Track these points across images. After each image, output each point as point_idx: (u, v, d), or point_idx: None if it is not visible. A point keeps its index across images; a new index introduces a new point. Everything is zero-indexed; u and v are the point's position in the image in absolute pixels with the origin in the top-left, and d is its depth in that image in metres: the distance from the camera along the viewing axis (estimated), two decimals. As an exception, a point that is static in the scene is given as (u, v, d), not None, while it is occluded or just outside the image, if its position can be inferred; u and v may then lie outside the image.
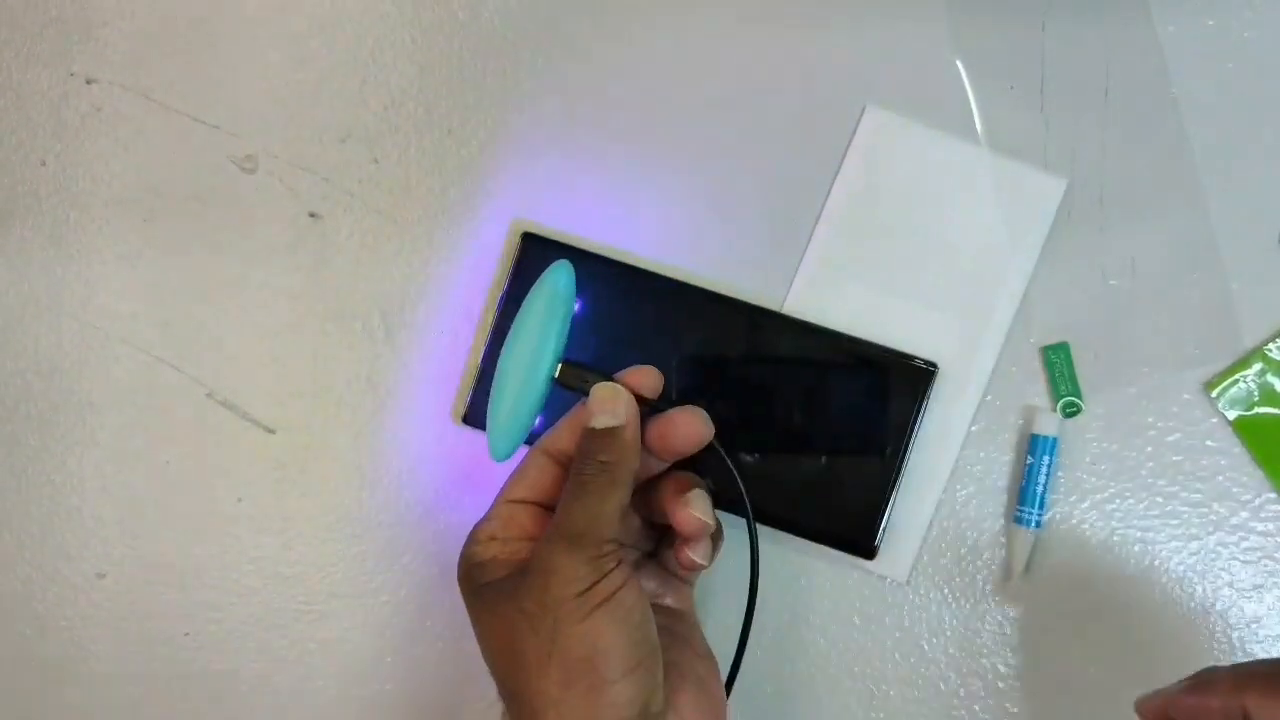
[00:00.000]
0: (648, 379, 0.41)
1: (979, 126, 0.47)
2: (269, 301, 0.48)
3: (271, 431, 0.49)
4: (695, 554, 0.40)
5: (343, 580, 0.49)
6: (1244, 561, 0.46)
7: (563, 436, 0.41)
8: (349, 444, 0.48)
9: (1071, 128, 0.47)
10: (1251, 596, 0.46)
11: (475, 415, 0.47)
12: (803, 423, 0.46)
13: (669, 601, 0.44)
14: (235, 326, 0.49)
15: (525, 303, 0.42)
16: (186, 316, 0.49)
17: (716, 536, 0.43)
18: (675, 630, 0.42)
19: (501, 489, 0.42)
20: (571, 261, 0.47)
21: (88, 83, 0.49)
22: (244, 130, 0.49)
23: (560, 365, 0.41)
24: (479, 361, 0.47)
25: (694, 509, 0.40)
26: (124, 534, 0.49)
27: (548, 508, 0.41)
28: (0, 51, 0.49)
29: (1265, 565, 0.46)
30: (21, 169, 0.49)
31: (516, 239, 0.47)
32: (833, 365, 0.46)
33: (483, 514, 0.41)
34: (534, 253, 0.47)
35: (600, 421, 0.40)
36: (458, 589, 0.48)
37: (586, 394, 0.41)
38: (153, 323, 0.49)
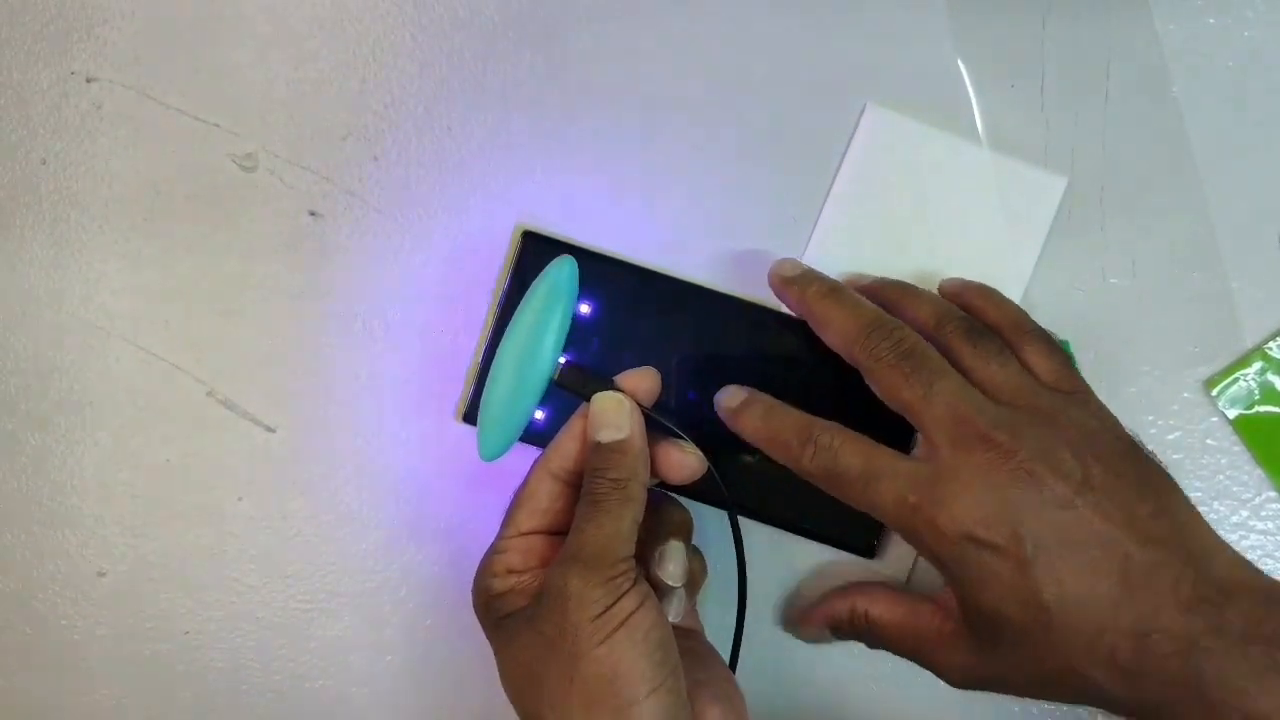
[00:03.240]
0: (645, 381, 0.41)
1: (979, 125, 0.47)
2: (269, 300, 0.48)
3: (271, 430, 0.49)
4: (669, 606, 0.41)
5: (343, 580, 0.49)
6: (1244, 560, 0.46)
7: (566, 453, 0.40)
8: (349, 444, 0.48)
9: (1072, 127, 0.47)
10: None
11: (475, 414, 0.47)
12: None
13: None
14: (235, 325, 0.49)
15: (525, 297, 0.42)
16: (186, 315, 0.49)
17: (698, 572, 0.44)
18: (692, 648, 0.41)
19: (510, 516, 0.41)
20: (577, 261, 0.47)
21: (88, 81, 0.49)
22: (244, 129, 0.49)
23: (560, 366, 0.41)
24: (479, 361, 0.47)
25: (665, 573, 0.41)
26: (124, 533, 0.49)
27: (562, 533, 0.40)
28: (0, 50, 0.49)
29: (1265, 564, 0.46)
30: (21, 167, 0.49)
31: (517, 238, 0.47)
32: (833, 364, 0.46)
33: (485, 525, 0.41)
34: (534, 252, 0.47)
35: (605, 435, 0.39)
36: (457, 590, 0.48)
37: (585, 398, 0.40)
38: (153, 322, 0.49)
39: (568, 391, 0.41)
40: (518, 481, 0.43)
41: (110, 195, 0.49)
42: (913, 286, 0.44)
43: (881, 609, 0.42)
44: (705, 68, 0.48)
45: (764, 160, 0.48)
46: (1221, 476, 0.46)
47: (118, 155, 0.49)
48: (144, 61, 0.49)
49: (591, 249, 0.47)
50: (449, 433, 0.48)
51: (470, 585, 0.41)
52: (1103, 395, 0.46)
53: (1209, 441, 0.46)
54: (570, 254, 0.43)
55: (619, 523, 0.38)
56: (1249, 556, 0.46)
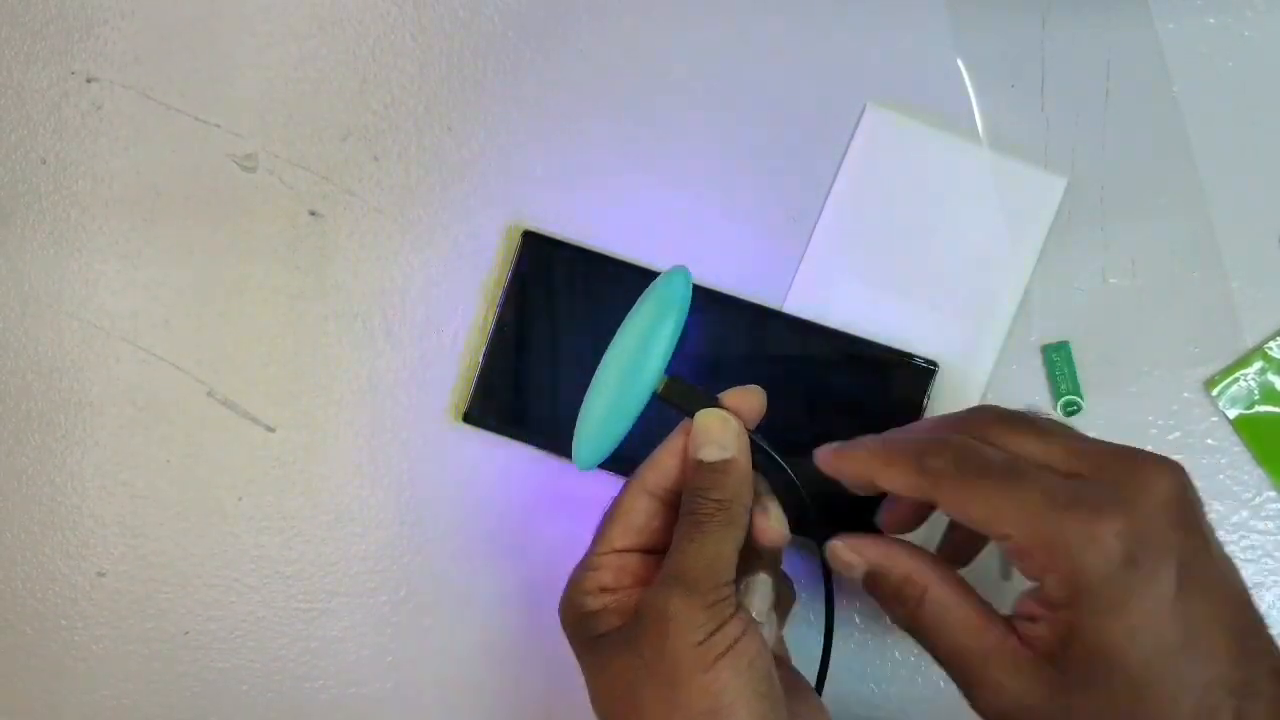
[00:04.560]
0: (750, 400, 0.39)
1: (979, 125, 0.47)
2: (269, 300, 0.48)
3: (271, 430, 0.49)
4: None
5: (343, 580, 0.49)
6: (1244, 560, 0.46)
7: (664, 470, 0.39)
8: (349, 443, 0.48)
9: (1072, 127, 0.47)
10: (1252, 595, 0.46)
11: (476, 414, 0.47)
12: (803, 422, 0.46)
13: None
14: (235, 325, 0.49)
15: (636, 305, 0.40)
16: (186, 315, 0.49)
17: (788, 598, 0.41)
18: (784, 677, 0.39)
19: (602, 532, 0.39)
20: (574, 260, 0.47)
21: (88, 81, 0.49)
22: (244, 129, 0.49)
23: (665, 380, 0.39)
24: (479, 360, 0.47)
25: (750, 605, 0.38)
26: (124, 533, 0.49)
27: (657, 552, 0.39)
28: (0, 50, 0.49)
29: (1265, 564, 0.46)
30: (22, 167, 0.49)
31: (517, 238, 0.47)
32: (833, 364, 0.46)
33: (577, 546, 0.39)
34: (534, 251, 0.47)
35: (709, 454, 0.38)
36: (457, 589, 0.48)
37: (687, 413, 0.39)
38: (153, 321, 0.49)
39: (670, 406, 0.39)
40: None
41: (110, 195, 0.49)
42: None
43: (947, 594, 0.36)
44: (705, 67, 0.48)
45: (764, 160, 0.48)
46: (1221, 476, 0.46)
47: (118, 155, 0.49)
48: (144, 61, 0.49)
49: (591, 249, 0.47)
50: (449, 432, 0.48)
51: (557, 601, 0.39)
52: (1103, 395, 0.46)
53: (1209, 441, 0.46)
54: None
55: (721, 545, 0.37)
56: (1249, 556, 0.46)
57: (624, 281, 0.47)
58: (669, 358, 0.39)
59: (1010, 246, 0.47)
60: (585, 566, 0.39)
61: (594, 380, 0.40)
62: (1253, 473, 0.46)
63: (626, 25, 0.48)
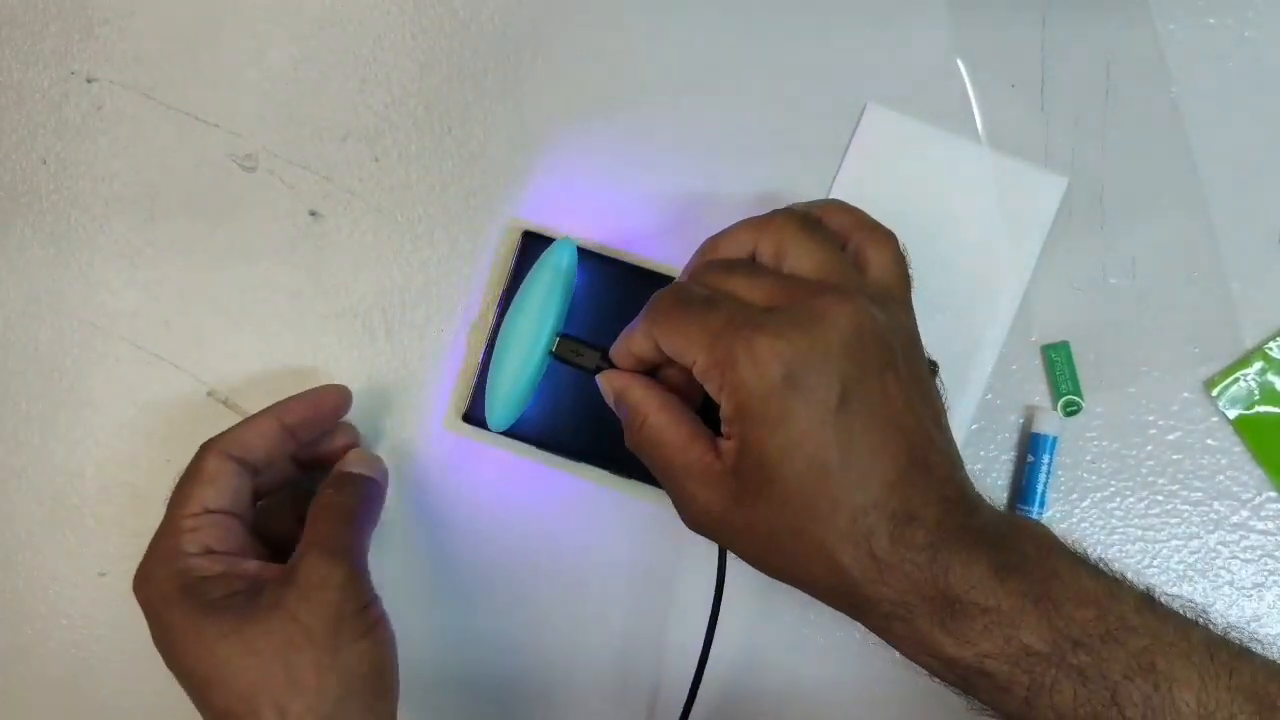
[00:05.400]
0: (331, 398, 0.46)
1: (979, 125, 0.47)
2: (269, 300, 0.48)
3: (272, 430, 0.48)
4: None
5: (343, 579, 0.49)
6: (1244, 560, 0.46)
7: (247, 445, 0.43)
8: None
9: (1071, 127, 0.47)
10: (1252, 595, 0.46)
11: (476, 413, 0.47)
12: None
13: None
14: (236, 325, 0.49)
15: (527, 278, 0.44)
16: (187, 315, 0.49)
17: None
18: None
19: (187, 494, 0.42)
20: (578, 262, 0.47)
21: (88, 81, 0.49)
22: (244, 129, 0.49)
23: (558, 339, 0.43)
24: (479, 360, 0.47)
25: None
26: (125, 533, 0.49)
27: (240, 517, 0.42)
28: (1, 50, 0.49)
29: (1265, 564, 0.46)
30: (22, 168, 0.49)
31: (517, 237, 0.47)
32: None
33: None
34: (534, 251, 0.47)
35: (359, 470, 0.44)
36: (457, 588, 0.48)
37: (582, 368, 0.42)
38: (153, 321, 0.49)
39: (566, 363, 0.42)
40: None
41: (110, 195, 0.49)
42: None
43: (665, 419, 0.38)
44: (705, 67, 0.48)
45: (764, 160, 0.48)
46: (1221, 476, 0.46)
47: (118, 155, 0.49)
48: (144, 61, 0.49)
49: (591, 248, 0.47)
50: (449, 431, 0.48)
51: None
52: (1103, 395, 0.46)
53: (1209, 441, 0.46)
54: (567, 240, 0.45)
55: (367, 531, 0.43)
56: (1249, 556, 0.46)
57: (624, 281, 0.47)
58: (561, 322, 0.44)
59: (1010, 245, 0.47)
60: (176, 530, 0.41)
61: (496, 349, 0.44)
62: (1253, 473, 0.46)
63: (627, 25, 0.48)
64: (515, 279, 0.47)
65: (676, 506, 0.38)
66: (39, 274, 0.49)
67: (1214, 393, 0.46)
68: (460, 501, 0.48)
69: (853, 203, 0.41)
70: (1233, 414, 0.46)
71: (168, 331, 0.49)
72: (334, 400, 0.46)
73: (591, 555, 0.48)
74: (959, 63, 0.47)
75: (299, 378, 0.48)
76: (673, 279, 0.46)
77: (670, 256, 0.47)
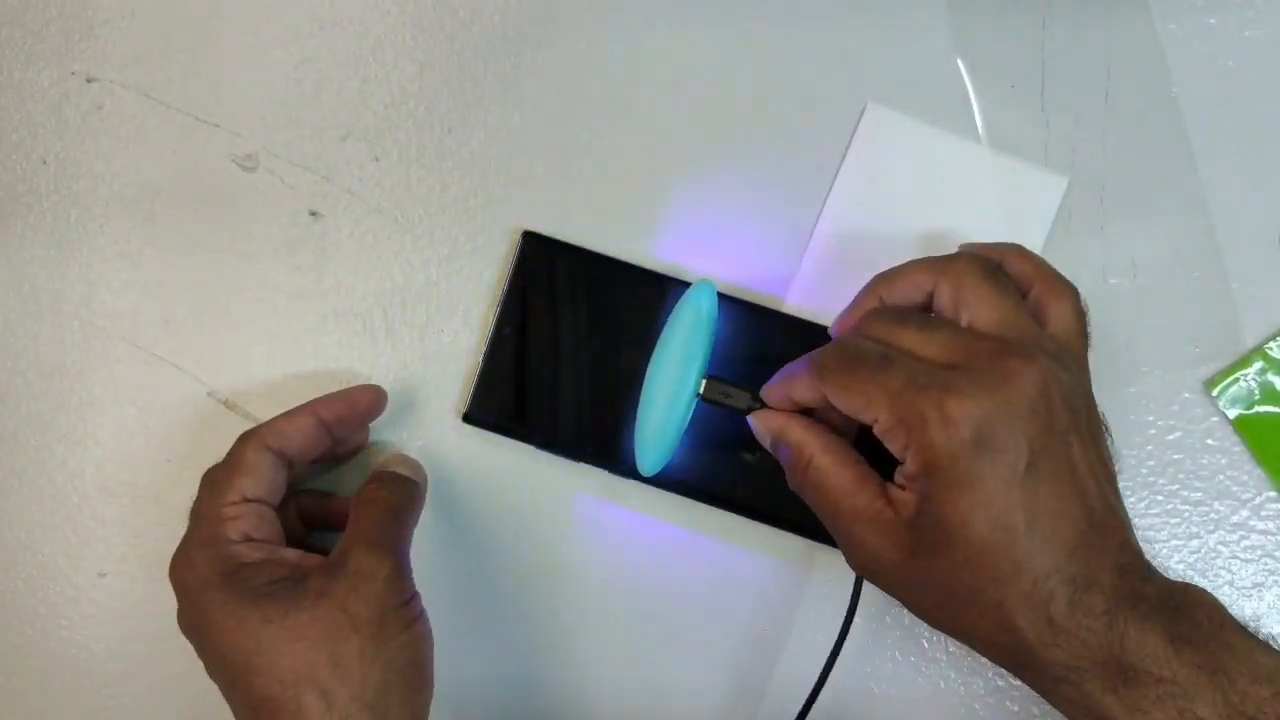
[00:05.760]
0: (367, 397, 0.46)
1: (979, 125, 0.47)
2: (269, 300, 0.48)
3: (272, 430, 0.48)
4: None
5: (343, 579, 0.49)
6: (1244, 560, 0.46)
7: (287, 436, 0.43)
8: (349, 443, 0.48)
9: (1071, 127, 0.47)
10: (1252, 595, 0.46)
11: (476, 414, 0.47)
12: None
13: None
14: (236, 325, 0.49)
15: (669, 321, 0.43)
16: (187, 315, 0.49)
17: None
18: None
19: (226, 482, 0.42)
20: (574, 260, 0.47)
21: (88, 81, 0.49)
22: (244, 129, 0.49)
23: (705, 381, 0.42)
24: (479, 360, 0.47)
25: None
26: (125, 533, 0.49)
27: (273, 507, 0.43)
28: (0, 50, 0.49)
29: (1265, 564, 0.46)
30: (22, 167, 0.49)
31: (517, 237, 0.47)
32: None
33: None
34: (534, 251, 0.47)
35: (403, 471, 0.45)
36: (456, 588, 0.47)
37: (733, 410, 0.42)
38: (153, 321, 0.49)
39: (714, 405, 0.42)
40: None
41: (110, 195, 0.49)
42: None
43: (830, 461, 0.39)
44: (705, 67, 0.48)
45: (764, 160, 0.48)
46: (1221, 476, 0.46)
47: (118, 155, 0.49)
48: (144, 61, 0.49)
49: (591, 248, 0.47)
50: (449, 432, 0.48)
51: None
52: (1103, 395, 0.46)
53: (1209, 441, 0.46)
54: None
55: (411, 528, 0.43)
56: (1249, 556, 0.46)
57: (624, 281, 0.47)
58: (706, 365, 0.42)
59: (1010, 246, 0.47)
60: (217, 517, 0.41)
61: (643, 394, 0.43)
62: (1253, 473, 0.46)
63: (626, 26, 0.48)
64: (515, 279, 0.47)
65: (843, 548, 0.39)
66: (39, 274, 0.49)
67: (1214, 393, 0.46)
68: (460, 502, 0.48)
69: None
70: (1233, 414, 0.46)
71: (168, 331, 0.49)
72: (370, 399, 0.46)
73: (592, 564, 0.48)
74: (959, 63, 0.47)
75: (299, 378, 0.48)
76: (674, 280, 0.47)
77: (670, 258, 0.47)
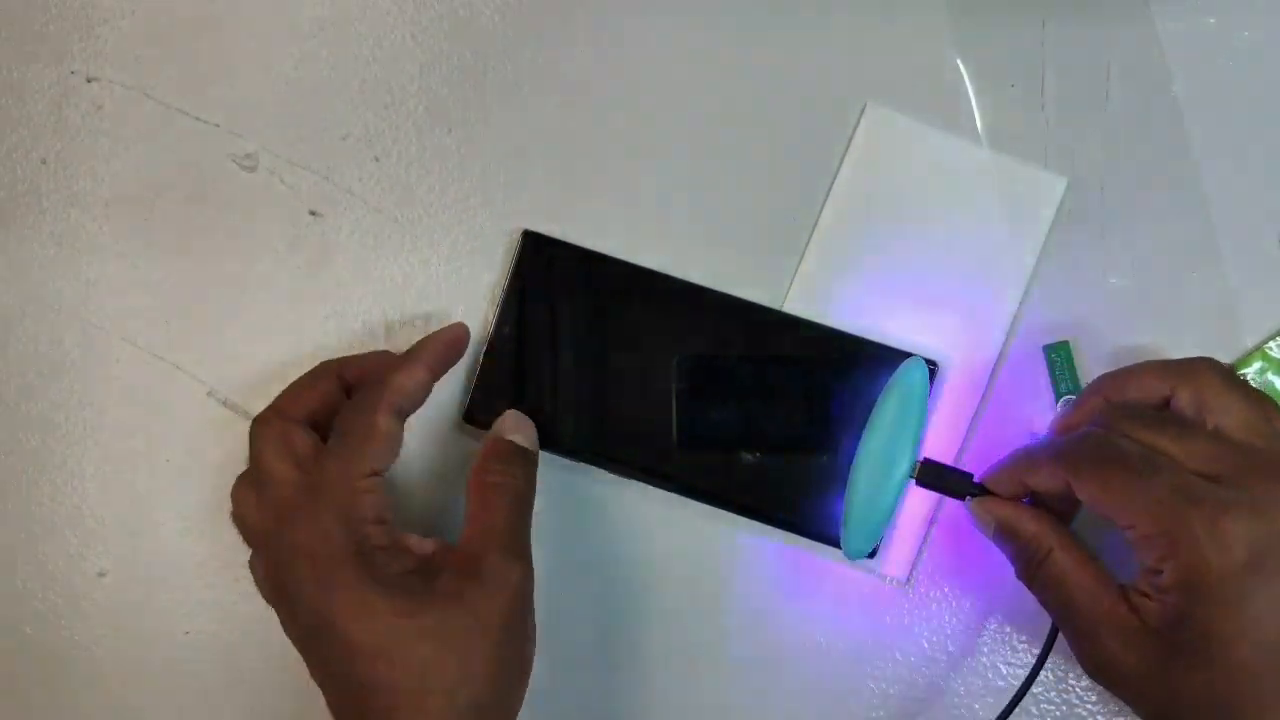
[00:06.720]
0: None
1: (979, 125, 0.47)
2: (269, 300, 0.48)
3: (272, 430, 0.48)
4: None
5: (343, 579, 0.49)
6: (1244, 560, 0.46)
7: (410, 393, 0.42)
8: (349, 443, 0.48)
9: (1072, 127, 0.47)
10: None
11: (476, 414, 0.47)
12: (803, 422, 0.46)
13: None
14: (236, 325, 0.49)
15: (880, 398, 0.43)
16: (187, 315, 0.49)
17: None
18: None
19: (360, 449, 0.40)
20: (574, 260, 0.47)
21: (88, 81, 0.49)
22: (244, 129, 0.49)
23: (919, 465, 0.42)
24: (479, 360, 0.47)
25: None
26: (124, 533, 0.49)
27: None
28: (0, 50, 0.49)
29: (1266, 564, 0.46)
30: (22, 167, 0.49)
31: (517, 237, 0.47)
32: (833, 364, 0.46)
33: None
34: (534, 251, 0.47)
35: (521, 439, 0.44)
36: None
37: (948, 494, 0.42)
38: (153, 321, 0.49)
39: (928, 489, 0.42)
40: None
41: (111, 194, 0.49)
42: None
43: (1071, 559, 0.39)
44: (706, 67, 0.48)
45: (764, 160, 0.48)
46: (1221, 476, 0.46)
47: (118, 155, 0.49)
48: (144, 61, 0.49)
49: (591, 248, 0.47)
50: (449, 432, 0.48)
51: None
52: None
53: (1209, 441, 0.46)
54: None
55: (528, 520, 0.43)
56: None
57: (624, 282, 0.47)
58: (919, 447, 0.42)
59: (1011, 245, 0.47)
60: (351, 489, 0.39)
61: (852, 473, 0.43)
62: (1253, 473, 0.46)
63: (626, 25, 0.48)
64: (515, 279, 0.47)
65: (1078, 648, 0.39)
66: (39, 272, 0.49)
67: (1214, 393, 0.46)
68: (461, 502, 0.48)
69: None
70: (1233, 414, 0.46)
71: (168, 331, 0.49)
72: (463, 339, 0.45)
73: (592, 562, 0.48)
74: (959, 63, 0.47)
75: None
76: (674, 279, 0.47)
77: (670, 257, 0.47)
